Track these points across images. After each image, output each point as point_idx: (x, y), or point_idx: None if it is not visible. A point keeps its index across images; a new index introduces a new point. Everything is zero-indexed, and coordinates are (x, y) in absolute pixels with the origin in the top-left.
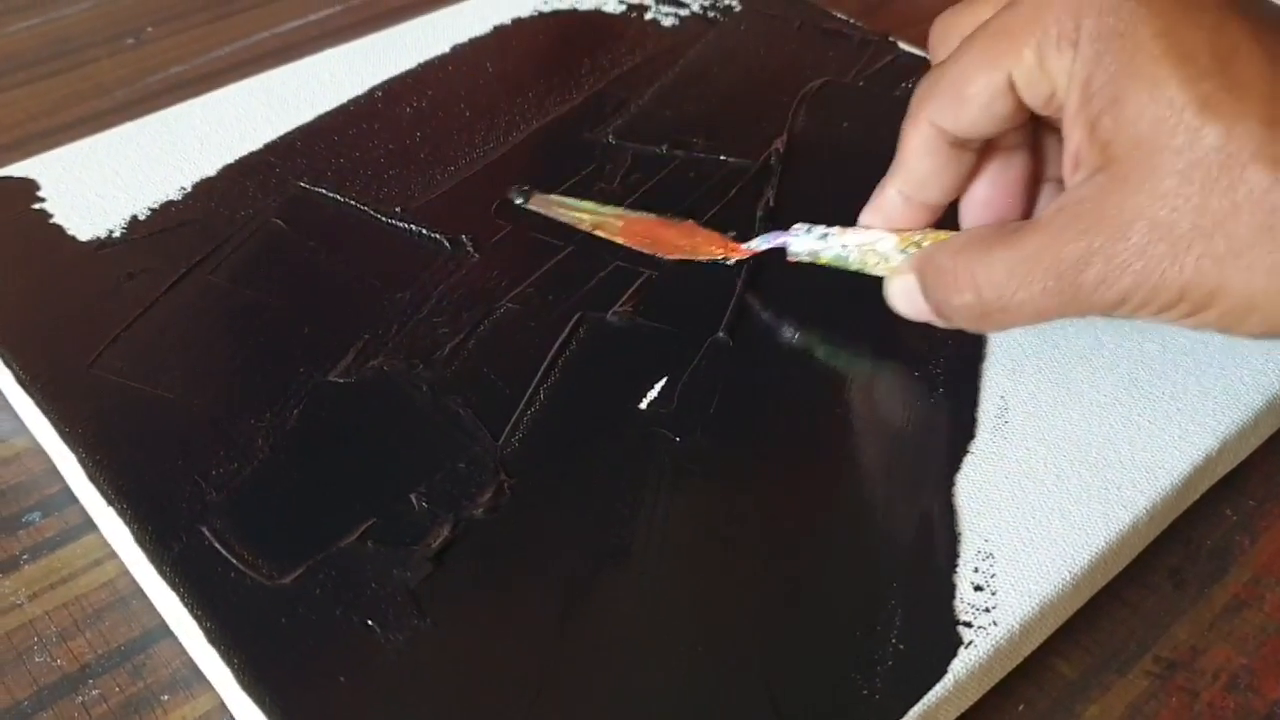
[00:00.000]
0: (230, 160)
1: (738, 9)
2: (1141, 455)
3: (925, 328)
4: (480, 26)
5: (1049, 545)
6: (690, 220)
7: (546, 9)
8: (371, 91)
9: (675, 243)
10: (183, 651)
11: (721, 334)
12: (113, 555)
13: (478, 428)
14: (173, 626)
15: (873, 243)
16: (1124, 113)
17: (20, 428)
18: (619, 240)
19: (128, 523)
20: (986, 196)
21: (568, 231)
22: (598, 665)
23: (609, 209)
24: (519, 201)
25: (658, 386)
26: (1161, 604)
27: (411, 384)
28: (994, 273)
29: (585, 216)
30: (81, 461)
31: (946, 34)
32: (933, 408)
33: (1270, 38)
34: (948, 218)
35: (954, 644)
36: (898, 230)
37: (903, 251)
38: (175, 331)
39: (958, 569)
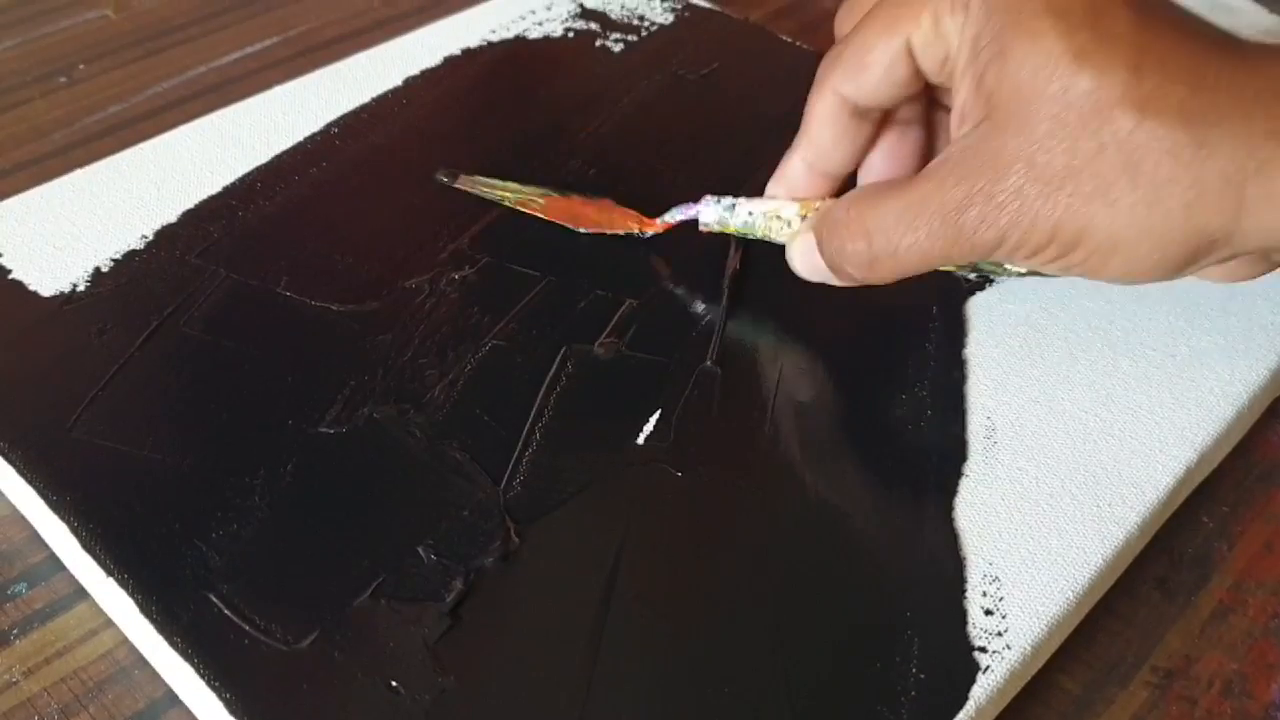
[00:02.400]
0: (190, 205)
1: (684, 35)
2: (1127, 470)
3: (907, 352)
4: (430, 58)
5: (1050, 565)
6: (607, 199)
7: (495, 38)
8: (328, 128)
9: (592, 218)
10: None
11: (710, 363)
12: (109, 624)
13: (478, 473)
14: (185, 698)
15: (776, 209)
16: (1006, 65)
17: None
18: (541, 216)
19: (131, 593)
20: (882, 167)
21: (545, 261)
22: (624, 708)
23: (531, 188)
24: (445, 180)
25: (652, 420)
26: (1152, 614)
27: (405, 431)
28: (883, 220)
29: (509, 195)
30: (74, 531)
31: (851, 13)
32: (924, 431)
33: None
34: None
35: (972, 670)
36: (800, 199)
37: (804, 218)
38: (154, 388)
39: (967, 594)
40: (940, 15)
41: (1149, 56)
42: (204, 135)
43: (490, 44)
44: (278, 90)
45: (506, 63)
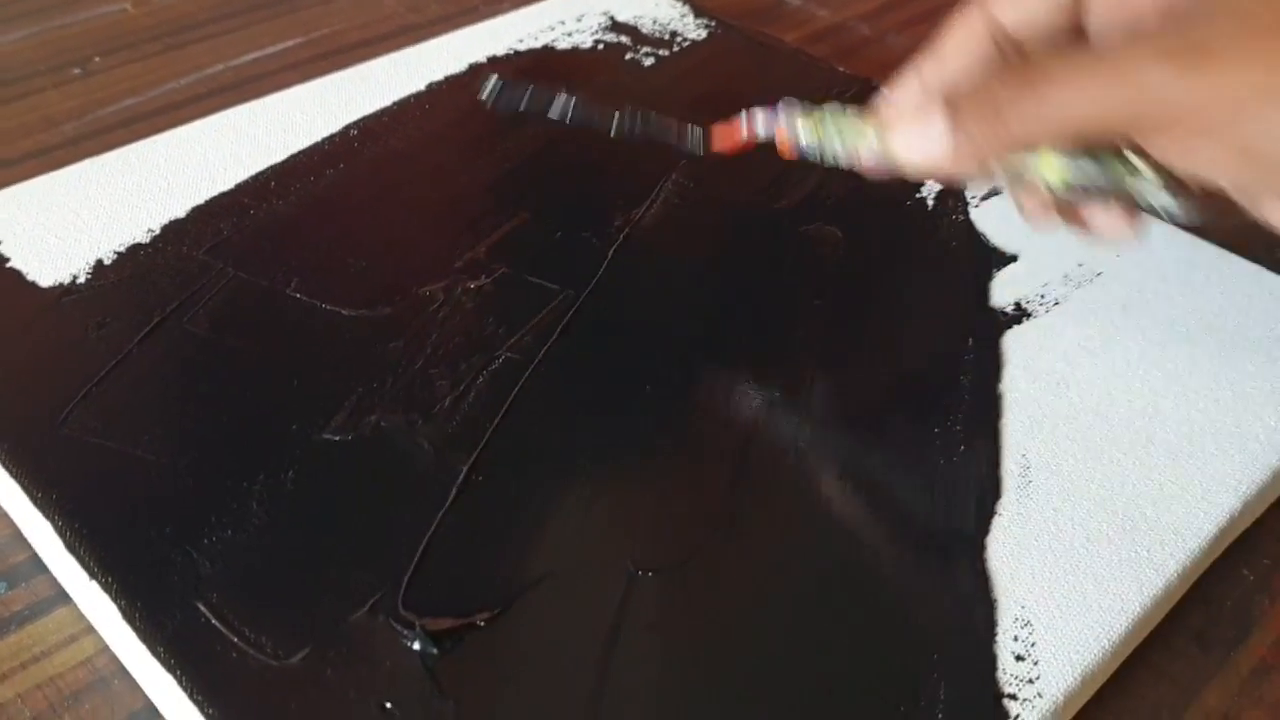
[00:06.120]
0: (200, 201)
1: (717, 54)
2: (1167, 516)
3: (941, 386)
4: (455, 64)
5: (1085, 612)
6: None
7: (522, 47)
8: (347, 129)
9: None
10: None
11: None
12: (90, 630)
13: (487, 488)
14: (166, 711)
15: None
16: None
17: None
18: None
19: (114, 598)
20: None
21: (562, 275)
22: None
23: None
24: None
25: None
26: (1189, 668)
27: (412, 441)
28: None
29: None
30: (59, 530)
31: None
32: (957, 466)
33: None
34: None
35: (1000, 718)
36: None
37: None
38: (152, 386)
39: (997, 638)
40: None
41: None
42: (218, 131)
43: (517, 53)
44: (297, 89)
45: (533, 72)
